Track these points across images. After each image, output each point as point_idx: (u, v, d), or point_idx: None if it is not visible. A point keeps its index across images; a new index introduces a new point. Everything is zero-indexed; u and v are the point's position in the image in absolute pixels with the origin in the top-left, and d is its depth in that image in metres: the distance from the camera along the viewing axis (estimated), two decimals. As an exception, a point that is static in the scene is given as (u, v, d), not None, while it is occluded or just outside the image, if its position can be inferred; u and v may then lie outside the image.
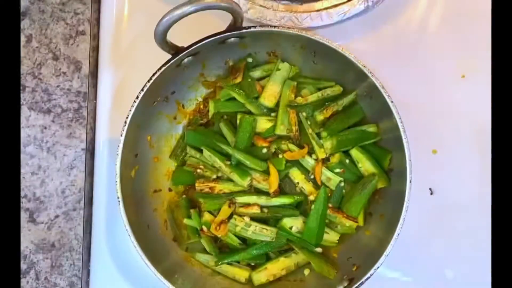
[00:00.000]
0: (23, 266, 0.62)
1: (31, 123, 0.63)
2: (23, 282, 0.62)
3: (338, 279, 0.55)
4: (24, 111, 0.63)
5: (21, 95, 0.63)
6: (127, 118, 0.52)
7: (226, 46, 0.55)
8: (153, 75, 0.52)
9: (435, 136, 0.63)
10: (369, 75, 0.52)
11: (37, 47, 0.64)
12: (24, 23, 0.64)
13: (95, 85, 0.65)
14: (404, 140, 0.51)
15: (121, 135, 0.52)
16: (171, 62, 0.52)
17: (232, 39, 0.54)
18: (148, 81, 0.52)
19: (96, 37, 0.66)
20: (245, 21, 0.52)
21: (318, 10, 0.60)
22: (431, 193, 0.63)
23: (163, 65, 0.52)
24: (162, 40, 0.49)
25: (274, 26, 0.53)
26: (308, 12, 0.60)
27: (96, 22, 0.66)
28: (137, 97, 0.52)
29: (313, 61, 0.58)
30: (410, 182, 0.51)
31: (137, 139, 0.57)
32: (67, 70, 0.64)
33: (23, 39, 0.64)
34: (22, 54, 0.64)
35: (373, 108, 0.57)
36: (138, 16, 0.65)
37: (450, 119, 0.63)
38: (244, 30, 0.52)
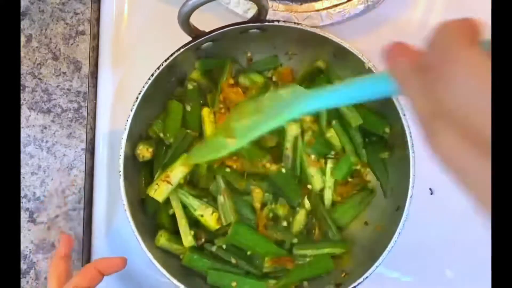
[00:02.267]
0: (23, 266, 0.62)
1: (31, 123, 0.63)
2: (23, 282, 0.62)
3: (325, 282, 0.55)
4: (24, 111, 0.63)
5: (21, 95, 0.63)
6: (139, 94, 0.52)
7: (247, 38, 0.55)
8: (171, 55, 0.52)
9: (435, 136, 0.63)
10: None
11: (37, 47, 0.64)
12: (24, 23, 0.64)
13: (95, 85, 0.65)
14: (408, 136, 0.51)
15: (131, 110, 0.52)
16: (191, 44, 0.51)
17: (254, 30, 0.54)
18: (166, 60, 0.52)
19: (96, 37, 0.66)
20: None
21: (318, 10, 0.60)
22: (431, 193, 0.63)
23: (182, 46, 0.52)
24: (185, 21, 0.48)
25: (298, 23, 0.53)
26: (308, 12, 0.60)
27: (96, 22, 0.66)
28: (152, 75, 0.52)
29: (329, 59, 0.58)
30: (411, 197, 0.51)
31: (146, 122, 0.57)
32: (67, 70, 0.64)
33: (23, 39, 0.64)
34: (22, 54, 0.64)
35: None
36: (138, 16, 0.65)
37: (450, 119, 0.63)
38: (266, 23, 0.52)
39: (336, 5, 0.60)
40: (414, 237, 0.61)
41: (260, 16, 0.51)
